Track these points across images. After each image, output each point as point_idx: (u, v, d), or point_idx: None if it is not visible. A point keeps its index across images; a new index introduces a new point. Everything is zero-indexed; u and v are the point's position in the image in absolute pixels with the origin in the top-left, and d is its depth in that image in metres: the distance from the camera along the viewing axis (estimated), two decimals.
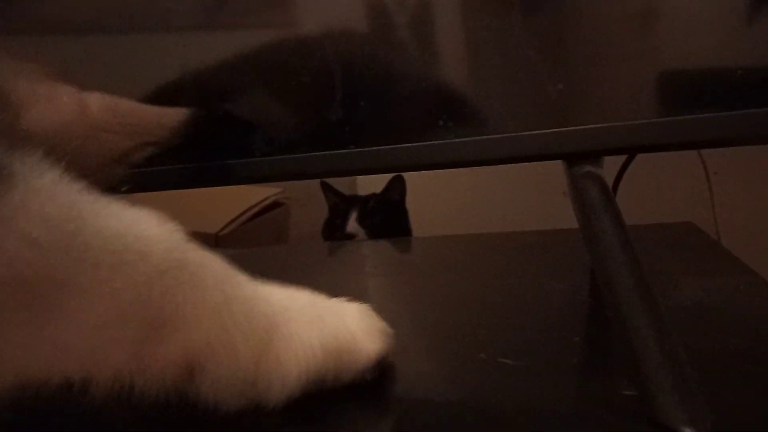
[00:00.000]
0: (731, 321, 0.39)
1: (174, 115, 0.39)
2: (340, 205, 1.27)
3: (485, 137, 0.35)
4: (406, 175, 1.15)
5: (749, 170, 1.12)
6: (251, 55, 0.39)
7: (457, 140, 0.35)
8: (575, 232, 0.36)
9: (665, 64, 0.33)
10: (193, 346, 0.27)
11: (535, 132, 0.34)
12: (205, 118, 0.40)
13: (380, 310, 0.34)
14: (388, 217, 1.24)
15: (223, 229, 1.12)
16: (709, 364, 0.32)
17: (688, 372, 0.27)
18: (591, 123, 0.33)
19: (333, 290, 0.34)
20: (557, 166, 0.39)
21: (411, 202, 1.28)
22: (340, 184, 1.31)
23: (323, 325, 0.30)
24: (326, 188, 1.28)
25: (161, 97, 0.40)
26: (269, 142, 0.40)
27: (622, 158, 0.56)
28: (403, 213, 1.28)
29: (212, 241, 1.10)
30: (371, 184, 1.31)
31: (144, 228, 0.27)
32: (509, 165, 0.36)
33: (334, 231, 1.26)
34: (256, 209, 1.20)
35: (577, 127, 0.33)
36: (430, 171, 0.38)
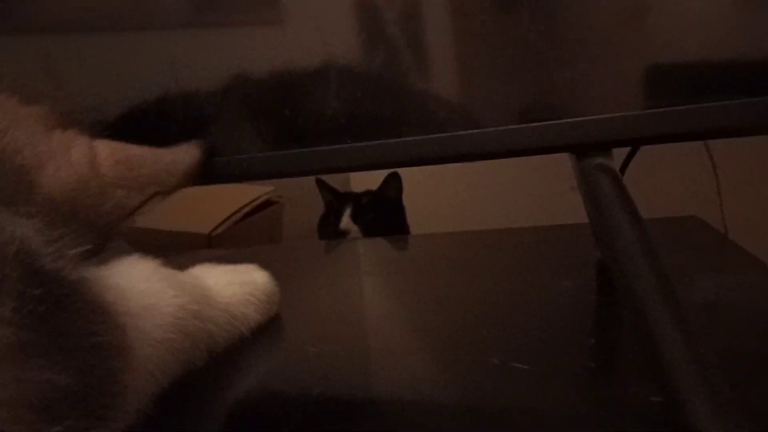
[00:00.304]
0: (745, 319, 0.37)
1: (186, 158, 0.38)
2: (335, 202, 1.26)
3: (491, 129, 0.33)
4: (406, 170, 1.14)
5: (758, 163, 1.11)
6: (242, 50, 0.38)
7: (461, 133, 0.34)
8: (580, 228, 0.34)
9: (675, 53, 0.31)
10: None
11: (543, 123, 0.33)
12: (194, 115, 0.39)
13: (380, 310, 0.33)
14: (383, 215, 1.23)
15: (215, 228, 1.11)
16: (729, 366, 0.30)
17: (720, 377, 0.26)
18: (601, 113, 0.32)
19: (330, 291, 0.33)
20: (563, 159, 0.37)
21: (411, 199, 1.27)
22: (334, 181, 1.30)
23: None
24: (321, 185, 1.27)
25: (152, 95, 0.40)
26: (261, 139, 0.39)
27: (626, 151, 0.55)
28: (400, 210, 1.27)
29: (205, 241, 1.09)
30: (365, 181, 1.30)
31: None
32: (512, 159, 0.35)
33: (328, 228, 1.25)
34: (248, 208, 1.19)
35: (587, 118, 0.32)
36: (432, 166, 0.36)
